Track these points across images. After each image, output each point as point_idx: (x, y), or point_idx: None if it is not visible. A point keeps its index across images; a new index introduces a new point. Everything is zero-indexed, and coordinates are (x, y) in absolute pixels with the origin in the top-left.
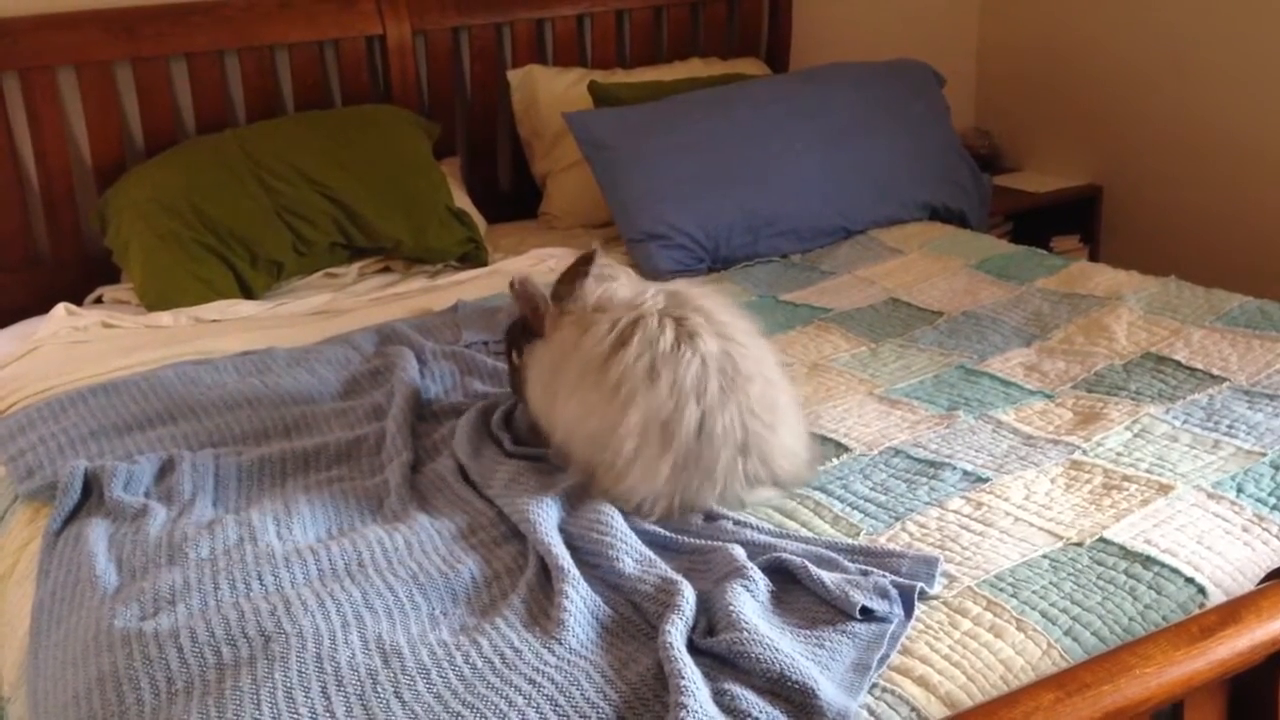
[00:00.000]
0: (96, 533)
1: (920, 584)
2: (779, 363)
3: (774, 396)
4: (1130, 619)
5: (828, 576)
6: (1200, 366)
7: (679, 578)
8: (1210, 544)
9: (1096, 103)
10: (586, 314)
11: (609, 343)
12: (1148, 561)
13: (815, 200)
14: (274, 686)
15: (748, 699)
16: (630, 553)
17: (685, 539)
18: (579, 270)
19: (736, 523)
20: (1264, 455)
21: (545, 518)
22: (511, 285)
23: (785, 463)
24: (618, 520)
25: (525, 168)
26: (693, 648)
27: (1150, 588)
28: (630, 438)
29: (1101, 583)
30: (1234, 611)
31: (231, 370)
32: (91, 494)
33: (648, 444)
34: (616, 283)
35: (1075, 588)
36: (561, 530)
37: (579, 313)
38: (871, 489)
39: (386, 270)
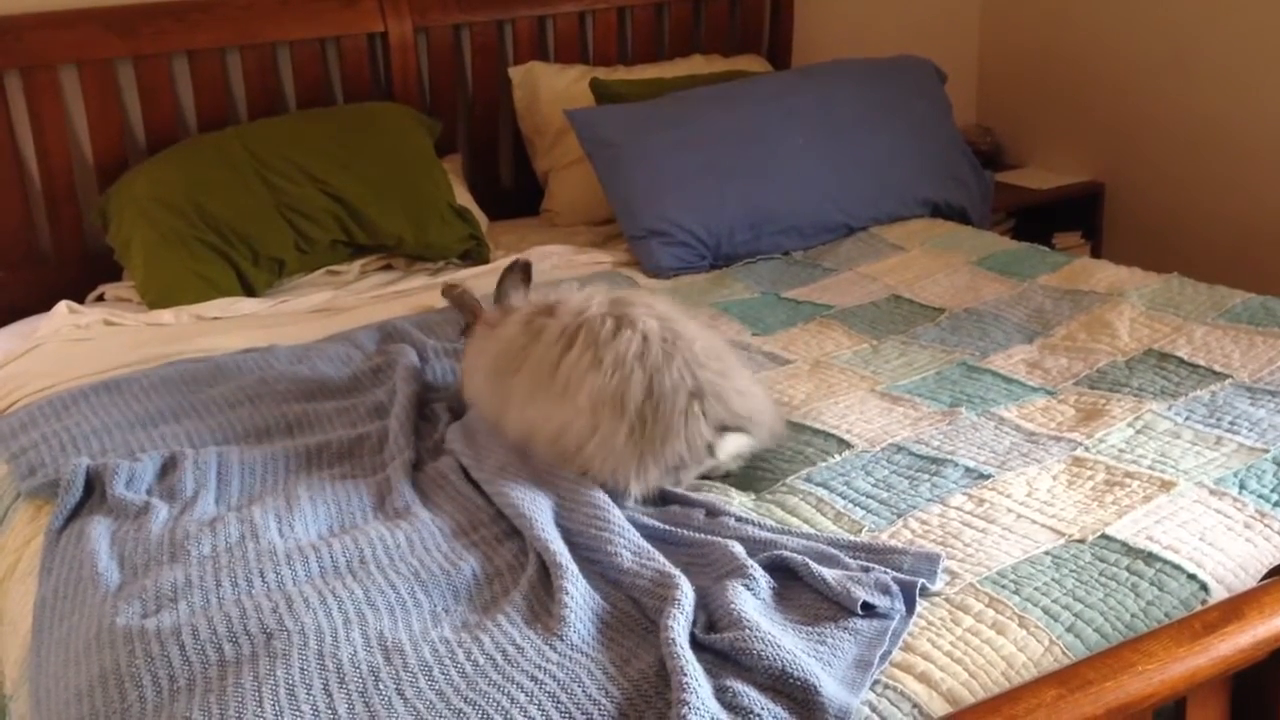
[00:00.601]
0: (98, 530)
1: (922, 580)
2: (727, 341)
3: (720, 351)
4: (1132, 615)
5: (829, 573)
6: (1203, 363)
7: (676, 572)
8: (1212, 540)
9: (1098, 100)
10: (534, 316)
11: (557, 351)
12: (1150, 558)
13: (817, 197)
14: (276, 684)
15: (750, 696)
16: (628, 546)
17: (685, 533)
18: (513, 277)
19: (738, 519)
20: (1266, 452)
21: (540, 513)
22: (444, 291)
23: (743, 401)
24: (615, 514)
25: (527, 165)
26: (695, 644)
27: (1152, 584)
28: (582, 416)
29: (1104, 579)
30: (1236, 608)
31: (233, 368)
32: (93, 492)
33: (602, 419)
34: (560, 290)
35: (1077, 584)
36: (559, 525)
37: (525, 310)
38: (873, 485)
39: (388, 268)
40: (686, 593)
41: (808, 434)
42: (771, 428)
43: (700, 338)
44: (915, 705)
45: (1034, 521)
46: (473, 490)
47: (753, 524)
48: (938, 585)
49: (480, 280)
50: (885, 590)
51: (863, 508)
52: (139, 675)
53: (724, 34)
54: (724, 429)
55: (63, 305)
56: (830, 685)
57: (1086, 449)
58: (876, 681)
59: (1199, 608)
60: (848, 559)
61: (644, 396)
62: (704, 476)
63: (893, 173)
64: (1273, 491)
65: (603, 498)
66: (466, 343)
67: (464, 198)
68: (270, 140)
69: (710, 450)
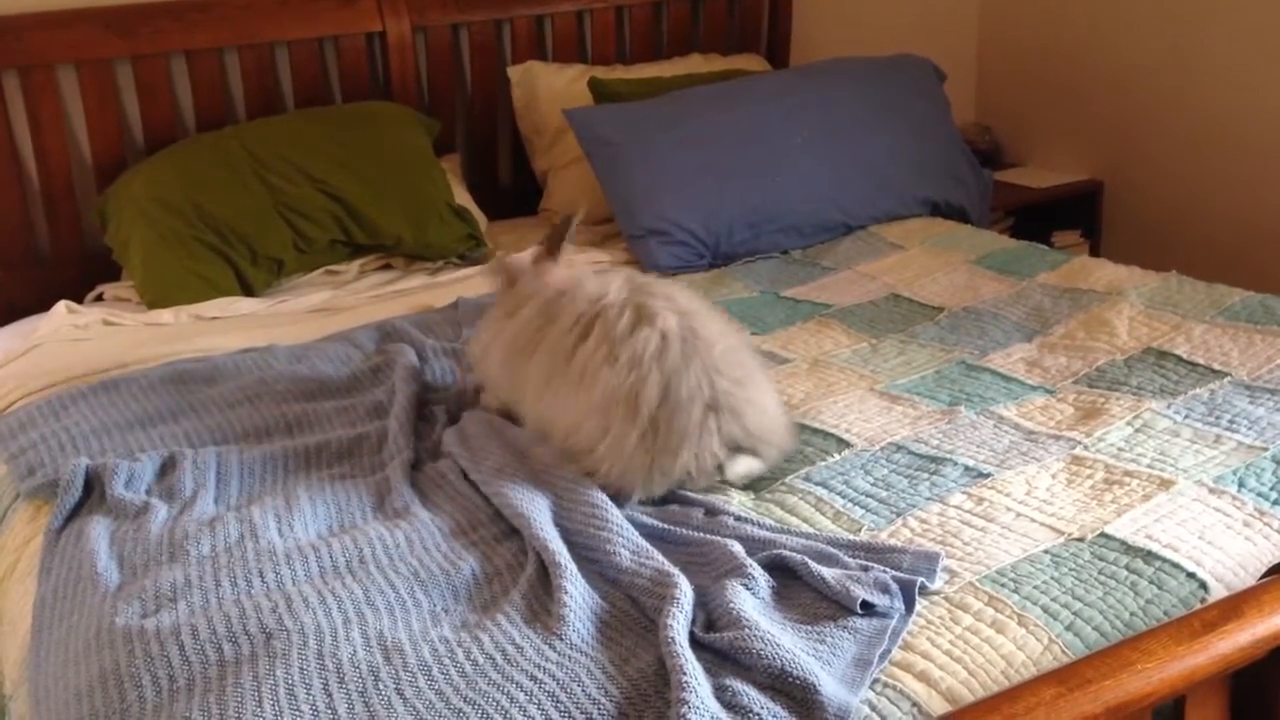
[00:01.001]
0: (98, 530)
1: (921, 579)
2: (747, 341)
3: (740, 357)
4: (1132, 614)
5: (828, 572)
6: (1201, 361)
7: (675, 571)
8: (1212, 539)
9: (1097, 98)
10: (552, 298)
11: (572, 338)
12: (1149, 556)
13: (816, 196)
14: (275, 683)
15: (749, 695)
16: (627, 545)
17: (684, 532)
18: (561, 232)
19: (737, 518)
20: (1265, 450)
21: (539, 512)
22: (490, 262)
23: (758, 418)
24: (614, 514)
25: (526, 164)
26: (694, 643)
27: (1151, 583)
28: (594, 414)
29: (1103, 578)
30: (1236, 606)
31: (232, 368)
32: (93, 492)
33: (614, 418)
34: (578, 272)
35: (1077, 583)
36: (558, 525)
37: (544, 295)
38: (873, 484)
39: (387, 267)
40: (686, 592)
41: (807, 433)
42: (781, 446)
43: (720, 340)
44: (915, 704)
45: (1033, 520)
46: (472, 490)
47: (752, 523)
48: (937, 584)
49: (478, 280)
50: (884, 589)
51: (862, 507)
52: (138, 675)
53: (722, 33)
54: (737, 449)
55: (61, 305)
56: (830, 684)
57: (1086, 447)
58: (876, 680)
59: (1198, 606)
60: (847, 558)
61: (659, 401)
62: None
63: (892, 172)
64: (1272, 490)
65: (601, 497)
66: (480, 323)
67: (463, 197)
68: (268, 140)
69: (720, 469)
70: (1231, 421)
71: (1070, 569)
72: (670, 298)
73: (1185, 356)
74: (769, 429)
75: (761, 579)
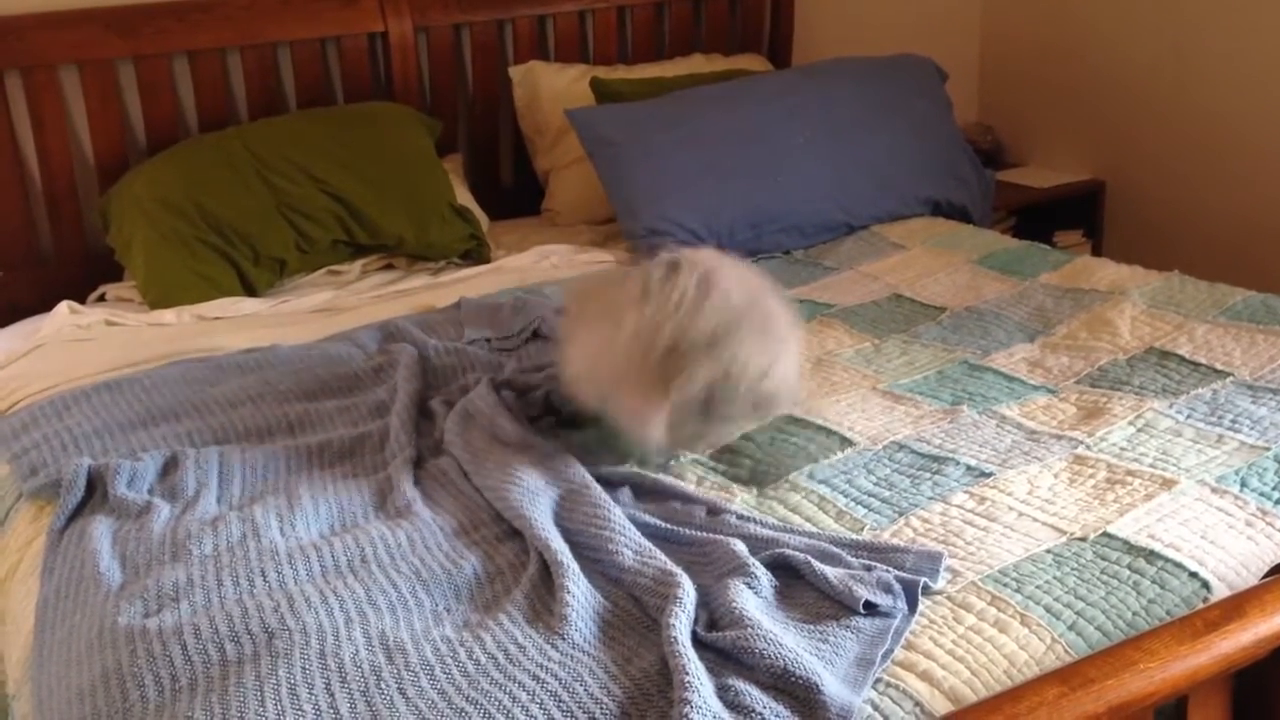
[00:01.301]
0: (100, 530)
1: (924, 579)
2: (783, 303)
3: (757, 316)
4: (1134, 614)
5: (831, 571)
6: (1204, 361)
7: (677, 570)
8: (1214, 538)
9: (1100, 97)
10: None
11: (619, 292)
12: (1151, 556)
13: (818, 196)
14: (278, 683)
15: (751, 694)
16: (630, 545)
17: (687, 531)
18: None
19: (740, 517)
20: (1268, 450)
21: (540, 513)
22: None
23: (757, 362)
24: (616, 513)
25: (527, 164)
26: (696, 642)
27: (1154, 582)
28: (619, 352)
29: (1105, 577)
30: (1238, 606)
31: (234, 368)
32: (95, 492)
33: (632, 359)
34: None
35: (1079, 582)
36: (560, 525)
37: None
38: (875, 484)
39: (389, 267)
40: (688, 591)
41: (810, 431)
42: (788, 403)
43: (737, 289)
44: (917, 704)
45: (1036, 520)
46: (474, 489)
47: (754, 522)
48: (940, 583)
49: (480, 280)
50: (887, 588)
51: (865, 506)
52: (141, 675)
53: (724, 33)
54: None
55: (64, 305)
56: (832, 684)
57: (1088, 447)
58: (879, 680)
59: (1200, 606)
60: (850, 557)
61: (672, 341)
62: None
63: (893, 171)
64: (1274, 489)
65: (603, 496)
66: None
67: (464, 197)
68: (271, 140)
69: (723, 421)
70: (1234, 421)
71: (1073, 568)
72: (702, 262)
73: (1187, 356)
74: (769, 390)
75: (764, 578)
